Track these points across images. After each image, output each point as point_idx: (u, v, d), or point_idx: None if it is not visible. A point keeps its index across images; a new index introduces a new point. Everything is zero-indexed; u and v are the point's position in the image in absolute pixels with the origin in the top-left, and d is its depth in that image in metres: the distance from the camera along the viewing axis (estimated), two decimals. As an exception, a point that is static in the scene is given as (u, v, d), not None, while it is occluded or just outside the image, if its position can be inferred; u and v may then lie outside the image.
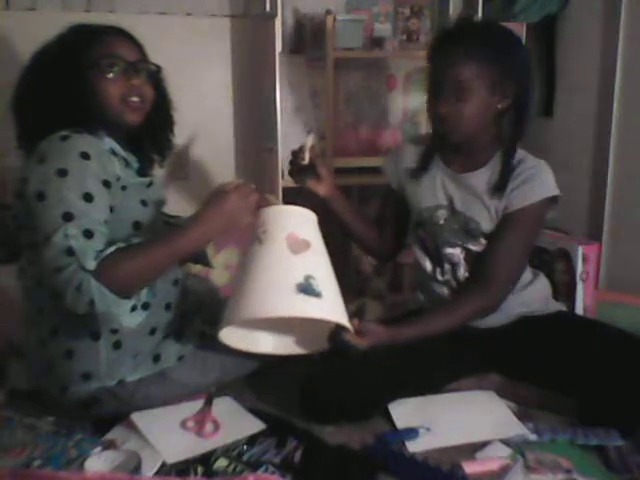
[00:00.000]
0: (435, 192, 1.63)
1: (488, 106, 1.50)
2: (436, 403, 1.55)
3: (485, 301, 1.53)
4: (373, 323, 1.44)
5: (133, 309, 1.30)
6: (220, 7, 2.45)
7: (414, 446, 1.37)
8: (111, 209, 1.32)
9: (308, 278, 1.27)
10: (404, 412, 1.49)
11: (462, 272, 1.62)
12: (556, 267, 2.03)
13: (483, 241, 1.59)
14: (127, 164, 1.42)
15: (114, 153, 1.39)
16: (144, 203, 1.41)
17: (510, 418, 1.48)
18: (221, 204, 1.32)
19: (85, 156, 1.28)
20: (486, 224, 1.57)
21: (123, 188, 1.37)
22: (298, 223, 1.37)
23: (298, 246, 1.32)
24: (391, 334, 1.43)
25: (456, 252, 1.62)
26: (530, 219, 1.54)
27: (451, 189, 1.61)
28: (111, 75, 1.36)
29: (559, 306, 1.73)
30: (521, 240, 1.55)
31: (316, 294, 1.26)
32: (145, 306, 1.38)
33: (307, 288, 1.25)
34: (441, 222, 1.62)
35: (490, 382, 1.60)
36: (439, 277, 1.66)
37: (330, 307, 1.29)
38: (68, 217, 1.23)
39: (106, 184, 1.31)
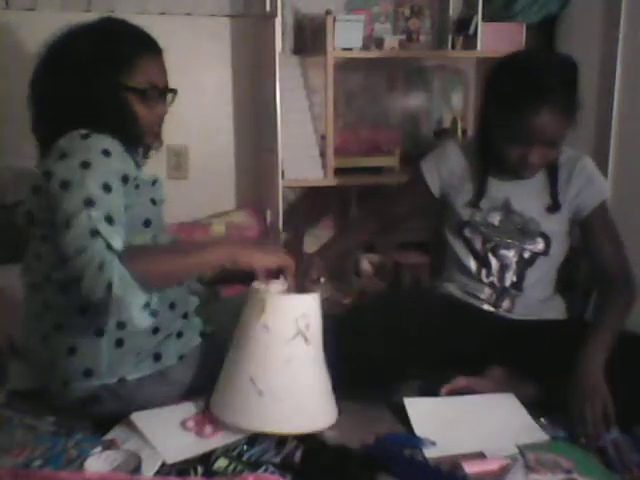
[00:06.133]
0: (489, 194, 1.63)
1: (566, 137, 1.55)
2: (455, 406, 1.52)
3: (631, 297, 1.58)
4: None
5: (145, 306, 1.28)
6: (220, 7, 2.45)
7: (429, 452, 1.34)
8: (125, 207, 1.34)
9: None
10: (422, 414, 1.47)
11: (510, 274, 1.63)
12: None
13: (539, 240, 1.60)
14: (137, 164, 1.46)
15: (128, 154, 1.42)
16: (153, 201, 1.45)
17: (531, 425, 1.45)
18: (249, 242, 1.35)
19: (106, 153, 1.32)
20: (546, 223, 1.59)
21: (136, 187, 1.40)
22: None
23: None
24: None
25: (510, 254, 1.62)
26: (608, 211, 1.63)
27: (506, 190, 1.62)
28: (149, 103, 1.43)
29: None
30: (615, 230, 1.62)
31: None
32: (153, 313, 1.36)
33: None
34: (496, 224, 1.62)
35: (493, 375, 1.60)
36: (484, 278, 1.65)
37: None
38: (89, 203, 1.25)
39: (124, 179, 1.35)
